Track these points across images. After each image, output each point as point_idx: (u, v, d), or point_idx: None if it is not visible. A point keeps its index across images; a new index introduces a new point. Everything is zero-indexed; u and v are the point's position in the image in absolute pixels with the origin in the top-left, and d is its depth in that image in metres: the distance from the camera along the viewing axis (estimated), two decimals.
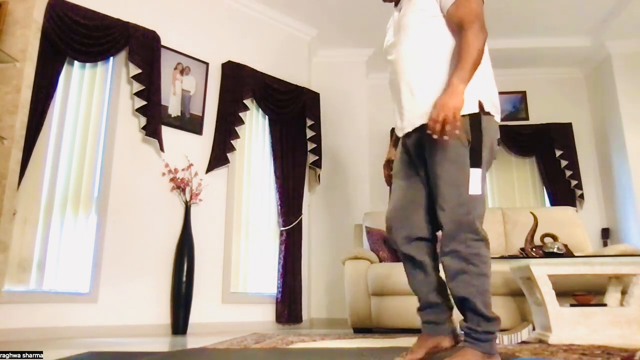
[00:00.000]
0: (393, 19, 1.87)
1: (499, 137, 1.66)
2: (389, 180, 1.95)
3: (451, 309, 1.74)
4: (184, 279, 3.44)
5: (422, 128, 1.63)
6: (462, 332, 1.62)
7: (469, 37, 1.54)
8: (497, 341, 2.44)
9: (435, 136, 1.49)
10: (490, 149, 1.59)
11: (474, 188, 1.53)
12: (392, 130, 1.97)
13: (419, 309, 1.79)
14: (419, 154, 1.70)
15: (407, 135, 1.74)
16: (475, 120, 1.56)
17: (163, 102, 3.64)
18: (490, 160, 1.62)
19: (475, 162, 1.54)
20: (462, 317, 1.63)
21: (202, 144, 3.90)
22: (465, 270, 1.54)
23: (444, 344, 1.72)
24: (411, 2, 1.73)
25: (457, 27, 1.60)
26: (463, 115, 1.53)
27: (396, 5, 1.87)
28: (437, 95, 1.58)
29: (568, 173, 5.04)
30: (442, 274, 1.70)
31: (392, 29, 1.85)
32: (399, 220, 1.76)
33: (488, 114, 1.59)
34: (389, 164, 1.99)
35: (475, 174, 1.53)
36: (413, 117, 1.68)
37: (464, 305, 1.57)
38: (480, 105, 1.57)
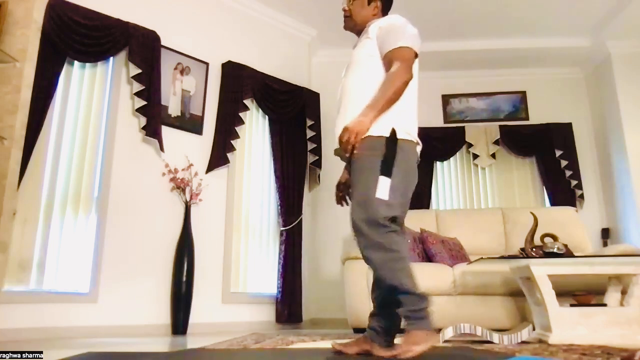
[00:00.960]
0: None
1: (418, 159, 1.89)
2: (338, 200, 2.21)
3: (397, 329, 1.91)
4: (184, 279, 3.44)
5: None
6: (403, 319, 1.74)
7: (391, 75, 1.79)
8: (497, 341, 2.45)
9: (347, 155, 1.76)
10: (405, 167, 1.79)
11: (381, 193, 1.73)
12: None
13: (371, 314, 1.99)
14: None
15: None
16: (391, 140, 1.78)
17: (163, 102, 3.64)
18: (406, 176, 1.81)
19: (385, 171, 1.74)
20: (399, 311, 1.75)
21: (202, 144, 3.90)
22: (387, 258, 1.72)
23: (377, 352, 1.87)
24: (361, 43, 1.99)
25: (388, 66, 1.84)
26: (379, 137, 1.78)
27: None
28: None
29: (568, 173, 5.04)
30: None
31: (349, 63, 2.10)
32: None
33: (403, 139, 1.80)
34: (339, 186, 2.22)
35: (383, 181, 1.73)
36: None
37: (397, 291, 1.71)
38: (393, 131, 1.78)
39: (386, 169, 1.74)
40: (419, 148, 1.91)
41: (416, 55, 1.87)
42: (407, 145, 1.82)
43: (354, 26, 2.10)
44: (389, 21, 1.94)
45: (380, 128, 1.80)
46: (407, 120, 1.85)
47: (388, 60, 1.84)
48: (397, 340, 1.85)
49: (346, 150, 1.73)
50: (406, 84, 1.79)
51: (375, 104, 1.76)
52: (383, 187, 1.73)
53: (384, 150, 1.76)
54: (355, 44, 2.07)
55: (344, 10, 2.10)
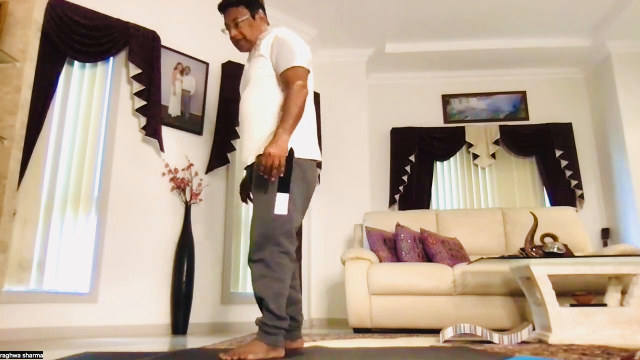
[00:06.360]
0: (245, 68, 2.21)
1: (318, 173, 1.98)
2: (242, 199, 2.29)
3: (300, 322, 2.10)
4: (184, 279, 3.44)
5: (251, 165, 1.99)
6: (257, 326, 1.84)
7: (291, 95, 1.89)
8: (497, 341, 2.45)
9: (266, 177, 1.81)
10: (302, 183, 1.92)
11: (279, 209, 1.86)
12: None
13: None
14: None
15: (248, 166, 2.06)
16: (288, 159, 1.86)
17: (163, 102, 3.63)
18: (304, 190, 1.95)
19: (283, 188, 1.86)
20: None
21: (202, 144, 3.90)
22: (265, 275, 1.83)
23: (289, 345, 2.02)
24: (255, 59, 2.07)
25: (284, 85, 1.96)
26: None
27: (249, 55, 2.19)
28: (261, 140, 1.93)
29: (568, 173, 5.04)
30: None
31: (244, 76, 2.19)
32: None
33: (300, 158, 1.92)
34: (243, 185, 2.28)
35: (281, 197, 1.86)
36: (247, 154, 2.01)
37: (261, 303, 1.83)
38: (291, 150, 1.88)
39: (284, 186, 1.86)
40: (315, 161, 2.01)
41: (308, 71, 1.98)
42: (305, 163, 1.94)
43: (251, 46, 2.15)
44: (279, 38, 2.00)
45: None
46: (304, 140, 1.96)
47: (285, 79, 1.95)
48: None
49: (272, 175, 1.80)
50: (305, 100, 1.91)
51: (285, 126, 1.85)
52: (281, 204, 1.86)
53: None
54: (249, 59, 2.15)
55: (235, 37, 2.12)
